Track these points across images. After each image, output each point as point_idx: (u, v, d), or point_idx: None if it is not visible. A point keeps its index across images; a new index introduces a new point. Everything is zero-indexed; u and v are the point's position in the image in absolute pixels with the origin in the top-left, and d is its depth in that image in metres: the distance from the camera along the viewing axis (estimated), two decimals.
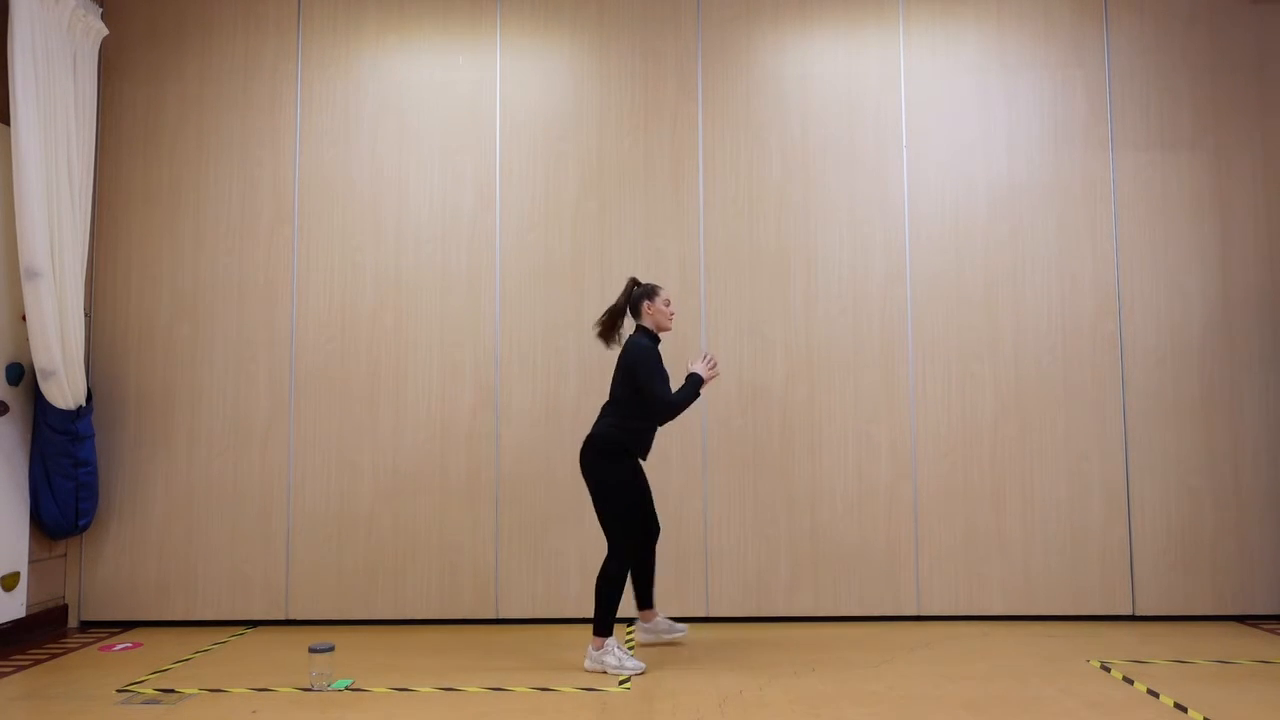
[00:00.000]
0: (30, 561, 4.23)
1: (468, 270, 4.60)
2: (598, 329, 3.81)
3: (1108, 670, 3.60)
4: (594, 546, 4.42)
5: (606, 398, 3.80)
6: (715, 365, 3.71)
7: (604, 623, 3.57)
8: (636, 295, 3.78)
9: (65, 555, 4.47)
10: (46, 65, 4.07)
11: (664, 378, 3.60)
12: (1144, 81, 4.63)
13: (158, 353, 4.57)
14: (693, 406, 4.48)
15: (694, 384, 3.63)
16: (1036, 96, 4.64)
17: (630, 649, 3.86)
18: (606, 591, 3.56)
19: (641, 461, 3.73)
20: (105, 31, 4.48)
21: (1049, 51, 4.65)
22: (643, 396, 3.59)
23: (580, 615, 4.41)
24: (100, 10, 4.54)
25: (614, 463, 3.60)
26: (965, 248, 4.58)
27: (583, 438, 4.45)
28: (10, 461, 4.15)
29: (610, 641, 3.59)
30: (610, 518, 3.58)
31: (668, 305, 3.78)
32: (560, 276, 4.58)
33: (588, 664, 3.60)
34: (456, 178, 4.64)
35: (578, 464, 3.65)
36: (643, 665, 3.57)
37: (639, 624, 3.99)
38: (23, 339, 4.19)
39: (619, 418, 3.65)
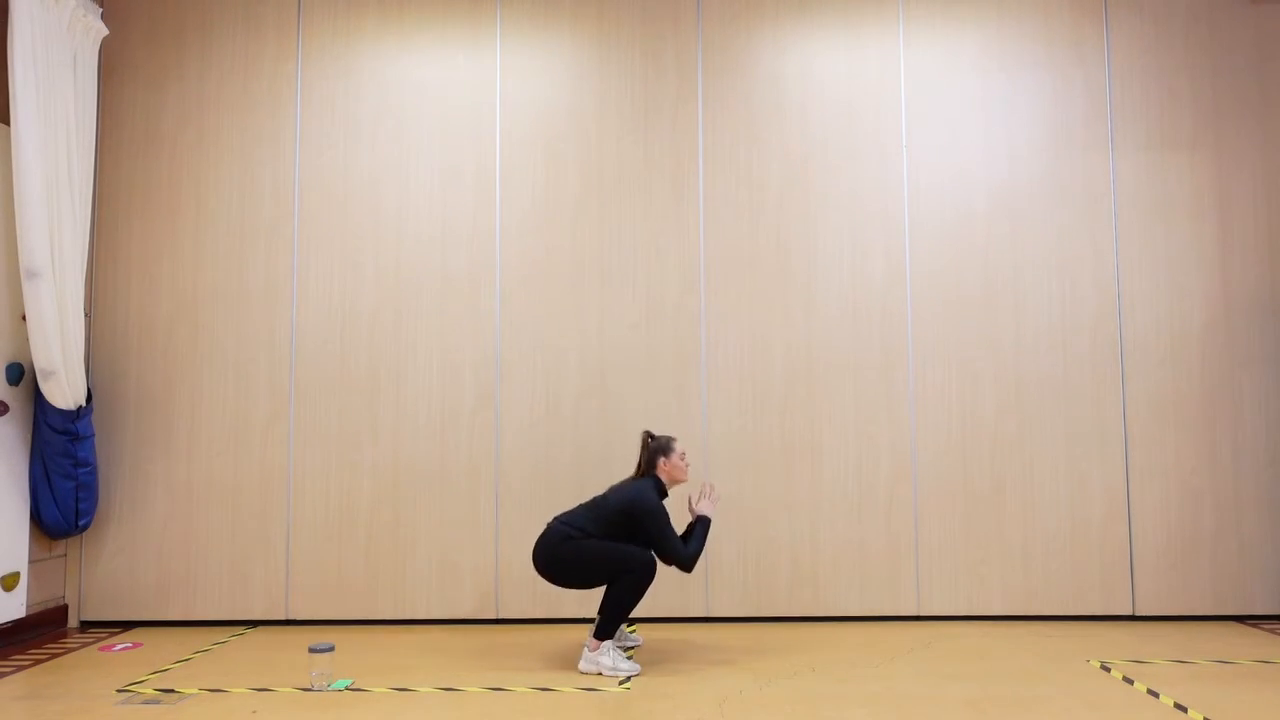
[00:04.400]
0: (30, 561, 4.23)
1: (468, 270, 4.60)
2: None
3: (1108, 670, 3.60)
4: None
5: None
6: (715, 495, 3.81)
7: (611, 627, 3.58)
8: (653, 450, 3.76)
9: (65, 555, 4.47)
10: (46, 65, 4.07)
11: (673, 530, 3.60)
12: (1144, 81, 4.63)
13: (158, 353, 4.57)
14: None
15: (706, 527, 3.69)
16: (1036, 96, 4.64)
17: (629, 656, 3.84)
18: (628, 600, 3.54)
19: None
20: (105, 32, 4.48)
21: (1049, 51, 4.65)
22: (660, 553, 3.57)
23: (580, 615, 4.41)
24: (100, 10, 4.53)
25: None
26: (965, 248, 4.58)
27: (583, 437, 4.47)
28: (10, 461, 4.15)
29: (608, 644, 3.59)
30: (606, 565, 3.57)
31: (683, 459, 3.77)
32: (560, 276, 4.58)
33: (583, 665, 3.60)
34: (456, 178, 4.64)
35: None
36: (638, 667, 3.57)
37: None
38: (23, 339, 4.19)
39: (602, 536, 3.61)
